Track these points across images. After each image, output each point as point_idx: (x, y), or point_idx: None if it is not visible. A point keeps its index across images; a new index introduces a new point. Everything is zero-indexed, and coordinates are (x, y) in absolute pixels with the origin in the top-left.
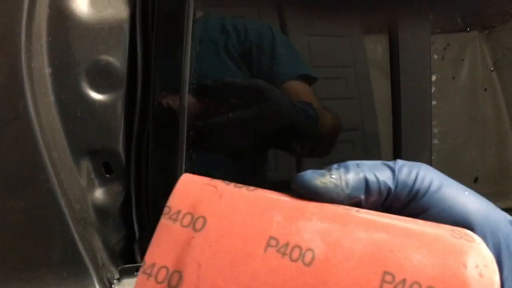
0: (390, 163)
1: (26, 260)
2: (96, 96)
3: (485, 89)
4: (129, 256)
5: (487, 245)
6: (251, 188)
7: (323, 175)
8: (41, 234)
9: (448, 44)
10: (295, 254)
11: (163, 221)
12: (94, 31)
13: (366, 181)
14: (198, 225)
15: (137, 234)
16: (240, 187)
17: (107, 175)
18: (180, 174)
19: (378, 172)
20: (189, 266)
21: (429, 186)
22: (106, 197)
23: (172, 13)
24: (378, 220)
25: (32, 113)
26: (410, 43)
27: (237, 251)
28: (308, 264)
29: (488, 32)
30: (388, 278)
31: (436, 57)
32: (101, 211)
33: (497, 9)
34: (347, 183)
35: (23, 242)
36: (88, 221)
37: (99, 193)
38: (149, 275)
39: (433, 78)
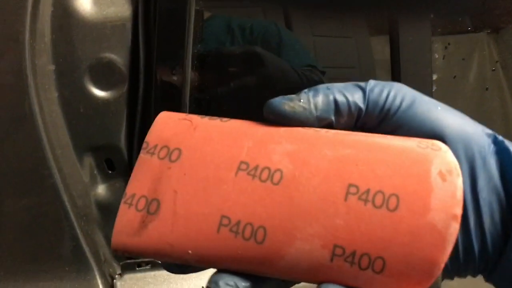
0: (362, 84)
1: (29, 254)
2: (99, 93)
3: (486, 88)
4: None
5: (459, 157)
6: (225, 119)
7: (291, 100)
8: (44, 229)
9: (449, 44)
10: (264, 175)
11: (142, 155)
12: (97, 29)
13: (336, 103)
14: (174, 156)
15: None
16: (214, 119)
17: (110, 172)
18: None
19: (349, 93)
20: (166, 194)
21: (400, 104)
22: (108, 193)
23: (174, 11)
24: (346, 138)
25: (36, 109)
26: (410, 42)
27: (209, 178)
28: (277, 183)
29: (489, 31)
30: (352, 190)
31: (437, 56)
32: (103, 207)
33: (504, 10)
34: (315, 106)
35: (27, 237)
36: (90, 217)
37: (101, 189)
38: (130, 204)
39: (434, 77)
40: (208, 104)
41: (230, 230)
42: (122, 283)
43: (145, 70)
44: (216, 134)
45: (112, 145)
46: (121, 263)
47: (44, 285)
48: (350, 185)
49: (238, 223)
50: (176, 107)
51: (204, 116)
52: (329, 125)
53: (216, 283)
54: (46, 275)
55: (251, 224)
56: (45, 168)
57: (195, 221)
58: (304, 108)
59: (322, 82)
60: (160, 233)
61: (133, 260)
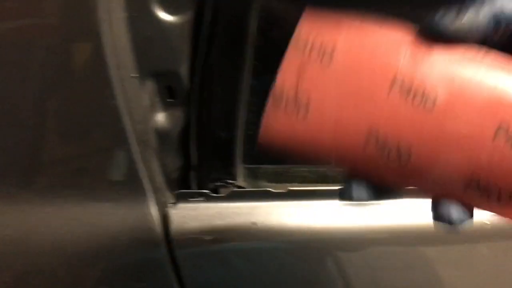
0: None
1: (84, 173)
2: (165, 16)
3: None
4: (185, 183)
5: None
6: (376, 24)
7: (455, 18)
8: (101, 150)
9: None
10: (418, 98)
11: (292, 50)
12: None
13: (496, 17)
14: (325, 60)
15: (194, 162)
16: (365, 22)
17: (170, 100)
18: (242, 106)
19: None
20: (316, 95)
21: None
22: (167, 122)
23: None
24: (506, 69)
25: (104, 29)
26: None
27: (363, 88)
28: (429, 110)
29: None
30: (502, 130)
31: None
32: (161, 135)
33: None
34: (479, 23)
35: (85, 155)
36: (148, 144)
37: (161, 117)
38: (279, 100)
39: None
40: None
41: (376, 147)
42: (175, 211)
43: None
44: (370, 39)
45: (174, 72)
46: (175, 193)
47: (98, 207)
48: (501, 124)
49: (385, 142)
50: (242, 39)
51: (355, 18)
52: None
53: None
54: (102, 196)
55: (397, 145)
56: (107, 88)
57: (343, 130)
58: (470, 27)
59: None
60: (308, 130)
61: (187, 190)
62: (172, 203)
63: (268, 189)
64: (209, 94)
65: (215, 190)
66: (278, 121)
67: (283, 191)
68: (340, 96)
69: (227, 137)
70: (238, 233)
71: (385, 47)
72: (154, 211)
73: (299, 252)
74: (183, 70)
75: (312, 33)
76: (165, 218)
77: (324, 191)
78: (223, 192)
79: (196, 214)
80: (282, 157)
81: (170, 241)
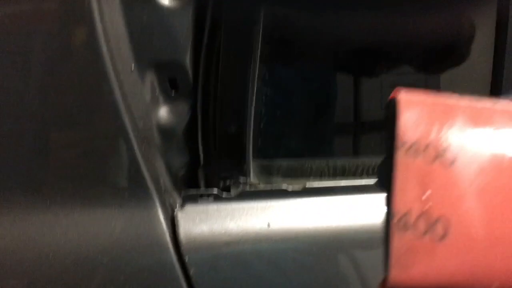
0: None
1: (87, 178)
2: (164, 1)
3: None
4: (192, 182)
5: None
6: (490, 102)
7: None
8: (102, 152)
9: None
10: None
11: (401, 158)
12: None
13: None
14: (448, 158)
15: (202, 159)
16: (476, 103)
17: (173, 92)
18: (252, 95)
19: None
20: (453, 211)
21: None
22: (170, 116)
23: None
24: None
25: (95, 13)
26: None
27: (508, 187)
28: None
29: None
30: None
31: None
32: (165, 131)
33: None
34: None
35: (82, 159)
36: (151, 142)
37: (163, 112)
38: (405, 226)
39: None
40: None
41: None
42: (183, 214)
43: None
44: (493, 129)
45: (176, 62)
46: (182, 194)
47: (102, 213)
48: None
49: None
50: (249, 23)
51: (452, 95)
52: None
53: None
54: (105, 199)
55: None
56: (105, 82)
57: (503, 246)
58: None
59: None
60: (455, 261)
61: (195, 190)
62: (179, 205)
63: (283, 187)
64: (215, 85)
65: (226, 189)
66: (409, 251)
67: (299, 189)
68: (487, 204)
69: (237, 131)
70: (252, 235)
71: None
72: (160, 214)
73: (318, 252)
74: (187, 60)
75: (419, 128)
76: (172, 221)
77: (343, 187)
78: (234, 191)
79: (206, 216)
80: None
81: (178, 245)
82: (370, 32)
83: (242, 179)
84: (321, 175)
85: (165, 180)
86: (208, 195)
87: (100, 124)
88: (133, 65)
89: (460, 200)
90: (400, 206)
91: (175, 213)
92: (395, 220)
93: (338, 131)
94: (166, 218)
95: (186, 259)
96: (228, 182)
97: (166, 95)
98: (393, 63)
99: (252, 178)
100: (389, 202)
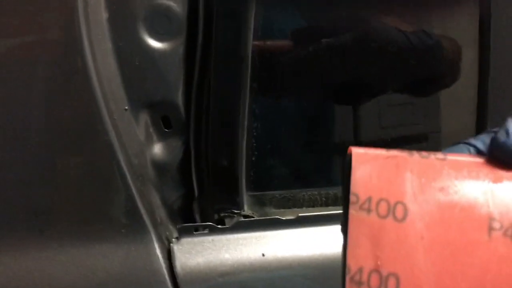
0: None
1: (84, 215)
2: (154, 43)
3: None
4: (188, 215)
5: None
6: (439, 155)
7: None
8: (98, 189)
9: None
10: None
11: (354, 213)
12: None
13: None
14: (399, 213)
15: (196, 193)
16: (427, 157)
17: (166, 130)
18: (243, 130)
19: None
20: (403, 266)
21: None
22: (164, 153)
23: None
24: None
25: (89, 62)
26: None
27: (456, 241)
28: None
29: None
30: None
31: None
32: (159, 167)
33: None
34: None
35: (81, 197)
36: (146, 177)
37: (157, 148)
38: (359, 283)
39: None
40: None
41: None
42: (180, 247)
43: (205, 18)
44: (442, 179)
45: (169, 101)
46: (178, 227)
47: (99, 248)
48: None
49: None
50: (237, 60)
51: (408, 151)
52: None
53: None
54: (102, 235)
55: None
56: (99, 124)
57: None
58: None
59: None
60: None
61: (191, 224)
62: (175, 238)
63: (276, 216)
64: (206, 121)
65: (221, 221)
66: None
67: (293, 217)
68: (433, 257)
69: (229, 165)
70: (247, 265)
71: (462, 182)
72: (157, 247)
73: (312, 280)
74: (178, 98)
75: (372, 185)
76: (169, 254)
77: (336, 215)
78: (229, 222)
79: (202, 248)
80: None
81: (175, 277)
82: (353, 67)
83: (236, 210)
84: (313, 205)
85: (161, 213)
86: (203, 227)
87: (96, 162)
88: (126, 105)
89: (410, 256)
90: (353, 262)
91: (171, 245)
92: (348, 276)
93: (329, 161)
94: (162, 251)
95: None
96: (222, 214)
97: (159, 133)
98: (378, 94)
99: (246, 210)
100: (344, 256)
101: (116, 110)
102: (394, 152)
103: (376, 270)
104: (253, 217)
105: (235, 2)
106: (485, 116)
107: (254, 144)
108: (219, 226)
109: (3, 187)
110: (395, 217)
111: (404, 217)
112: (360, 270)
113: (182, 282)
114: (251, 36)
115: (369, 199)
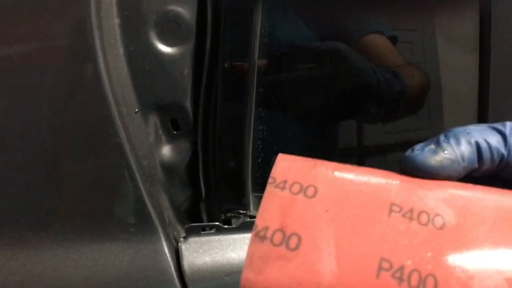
0: (499, 125)
1: (95, 215)
2: (164, 49)
3: None
4: (195, 215)
5: None
6: (355, 165)
7: (435, 153)
8: (109, 190)
9: None
10: (423, 218)
11: (270, 189)
12: None
13: (479, 150)
14: (310, 192)
15: (203, 194)
16: (343, 164)
17: (174, 132)
18: (249, 133)
19: (489, 138)
20: (307, 230)
21: None
22: (173, 154)
23: None
24: (501, 190)
25: (101, 65)
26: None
27: (358, 216)
28: (440, 228)
29: None
30: None
31: None
32: (168, 168)
33: None
34: (462, 157)
35: (90, 198)
36: (155, 178)
37: (166, 150)
38: (263, 237)
39: None
40: (275, 87)
41: (393, 276)
42: (187, 246)
43: (213, 24)
44: (353, 175)
45: (177, 104)
46: (185, 226)
47: (109, 247)
48: None
49: (401, 268)
50: (243, 67)
51: (327, 161)
52: (469, 174)
53: None
54: (111, 235)
55: (417, 270)
56: (110, 127)
57: (348, 262)
58: (452, 161)
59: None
60: (304, 271)
61: (198, 223)
62: (183, 237)
63: None
64: (214, 124)
65: (227, 221)
66: (265, 257)
67: None
68: (336, 225)
69: (236, 166)
70: None
71: (372, 181)
72: (165, 247)
73: None
74: (187, 101)
75: (289, 173)
76: (177, 253)
77: None
78: (235, 222)
79: (209, 247)
80: None
81: (183, 276)
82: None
83: (242, 211)
84: None
85: (169, 214)
86: (211, 227)
87: (107, 163)
88: (136, 108)
89: (314, 223)
90: (260, 222)
91: (179, 245)
92: (254, 232)
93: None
94: (170, 250)
95: None
96: (229, 214)
97: (168, 135)
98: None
99: (252, 210)
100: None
101: (127, 113)
102: (315, 160)
103: (281, 230)
104: None
105: (242, 10)
106: (486, 120)
107: (260, 146)
108: (225, 226)
109: (17, 188)
110: (305, 195)
111: (314, 195)
112: (266, 228)
113: (190, 281)
114: (257, 42)
115: (285, 182)
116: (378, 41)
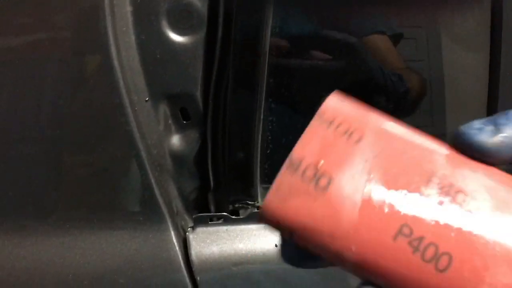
0: None
1: (102, 203)
2: (176, 37)
3: None
4: (203, 206)
5: None
6: (407, 125)
7: (493, 134)
8: (118, 178)
9: None
10: (459, 198)
11: (315, 123)
12: None
13: None
14: (354, 137)
15: (212, 184)
16: (397, 119)
17: (184, 122)
18: (258, 124)
19: None
20: (340, 174)
21: None
22: (182, 144)
23: None
24: None
25: (113, 52)
26: None
27: (395, 176)
28: (472, 212)
29: None
30: None
31: None
32: (177, 158)
33: None
34: None
35: (100, 185)
36: (164, 168)
37: (175, 140)
38: (296, 169)
39: None
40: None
41: (410, 243)
42: (195, 236)
43: (225, 13)
44: (402, 133)
45: (187, 94)
46: (193, 216)
47: (117, 235)
48: None
49: (420, 238)
50: (255, 55)
51: (379, 110)
52: None
53: None
54: (120, 223)
55: (435, 245)
56: (121, 115)
57: (369, 218)
58: (508, 145)
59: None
60: (324, 214)
61: (206, 213)
62: (191, 227)
63: None
64: (224, 115)
65: (235, 212)
66: (292, 188)
67: None
68: (367, 181)
69: (245, 157)
70: (260, 256)
71: (419, 149)
72: (173, 236)
73: (324, 270)
74: (197, 91)
75: (339, 112)
76: (184, 243)
77: None
78: (243, 213)
79: (216, 238)
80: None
81: (190, 265)
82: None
83: (250, 202)
84: None
85: (177, 203)
86: (218, 218)
87: (116, 151)
88: (147, 97)
89: (349, 169)
90: (297, 153)
91: (187, 235)
92: (288, 161)
93: None
94: (178, 240)
95: (198, 278)
96: (237, 205)
97: (178, 124)
98: None
99: (260, 201)
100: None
101: (138, 101)
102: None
103: (315, 166)
104: None
105: (254, 0)
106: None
107: (269, 138)
108: (233, 217)
109: (24, 176)
110: (349, 138)
111: (357, 141)
112: (300, 161)
113: (197, 270)
114: (269, 32)
115: (332, 119)
116: (380, 43)
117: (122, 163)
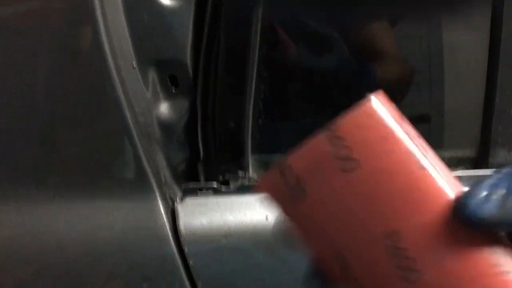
0: None
1: (90, 171)
2: (164, 1)
3: None
4: (192, 176)
5: None
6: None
7: (492, 204)
8: (106, 147)
9: None
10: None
11: (323, 137)
12: None
13: None
14: (348, 165)
15: (201, 154)
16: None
17: (173, 89)
18: (250, 92)
19: None
20: (319, 189)
21: None
22: (171, 112)
23: None
24: None
25: (98, 15)
26: None
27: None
28: None
29: None
30: None
31: None
32: (165, 126)
33: None
34: None
35: (87, 155)
36: (152, 137)
37: (164, 108)
38: (282, 172)
39: None
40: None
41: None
42: (183, 207)
43: None
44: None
45: (177, 60)
46: (182, 187)
47: (103, 205)
48: None
49: (404, 247)
50: (246, 23)
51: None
52: None
53: None
54: (105, 194)
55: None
56: (107, 79)
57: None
58: (504, 214)
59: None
60: (304, 214)
61: (195, 184)
62: (179, 198)
63: None
64: (215, 82)
65: (225, 183)
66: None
67: None
68: (350, 206)
69: (235, 127)
70: (250, 228)
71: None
72: (161, 207)
73: None
74: (187, 57)
75: (352, 132)
76: (173, 214)
77: None
78: (233, 184)
79: (206, 209)
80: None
81: (178, 237)
82: None
83: (241, 173)
84: None
85: (166, 173)
86: (208, 189)
87: (103, 119)
88: (134, 62)
89: (328, 182)
90: (291, 159)
91: (175, 205)
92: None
93: None
94: (166, 211)
95: (186, 250)
96: (227, 176)
97: (166, 92)
98: None
99: (251, 173)
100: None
101: (124, 66)
102: (400, 123)
103: (298, 175)
104: (258, 180)
105: None
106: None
107: (261, 107)
108: (223, 189)
109: (14, 144)
110: (344, 168)
111: (347, 171)
112: (290, 168)
113: (185, 241)
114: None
115: (340, 138)
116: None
117: (109, 131)
